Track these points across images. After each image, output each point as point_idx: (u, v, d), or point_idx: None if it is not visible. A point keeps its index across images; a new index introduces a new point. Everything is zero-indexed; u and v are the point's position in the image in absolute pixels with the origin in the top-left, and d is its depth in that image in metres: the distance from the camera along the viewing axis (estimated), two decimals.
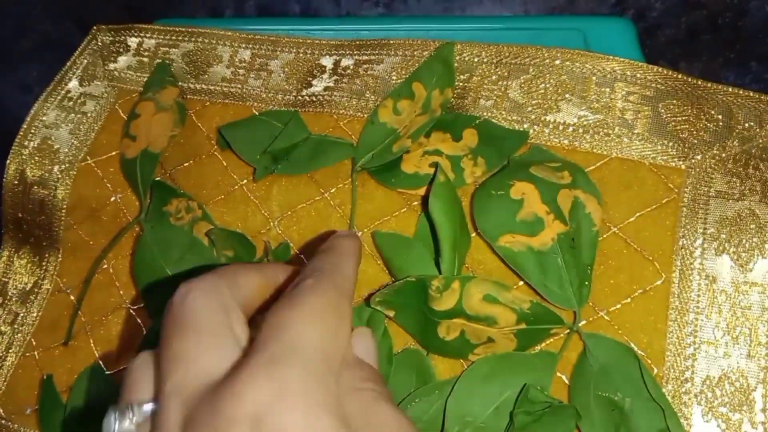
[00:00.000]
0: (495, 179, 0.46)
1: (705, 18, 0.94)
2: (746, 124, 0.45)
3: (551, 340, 0.44)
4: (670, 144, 0.46)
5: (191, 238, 0.51)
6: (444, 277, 0.42)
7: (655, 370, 0.42)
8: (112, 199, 0.56)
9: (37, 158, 0.58)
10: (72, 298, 0.55)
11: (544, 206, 0.43)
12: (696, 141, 0.46)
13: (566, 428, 0.41)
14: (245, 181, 0.54)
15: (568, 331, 0.43)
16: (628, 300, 0.44)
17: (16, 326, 0.55)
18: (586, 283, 0.43)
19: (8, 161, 0.58)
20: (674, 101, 0.47)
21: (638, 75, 0.48)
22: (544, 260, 0.43)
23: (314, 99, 0.55)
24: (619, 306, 0.44)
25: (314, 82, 0.56)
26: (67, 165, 0.58)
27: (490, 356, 0.43)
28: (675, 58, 0.93)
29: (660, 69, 0.47)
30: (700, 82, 0.47)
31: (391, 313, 0.44)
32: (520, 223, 0.43)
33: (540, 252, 0.43)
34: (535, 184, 0.44)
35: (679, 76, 0.47)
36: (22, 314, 0.55)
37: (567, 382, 0.43)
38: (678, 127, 0.46)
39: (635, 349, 0.42)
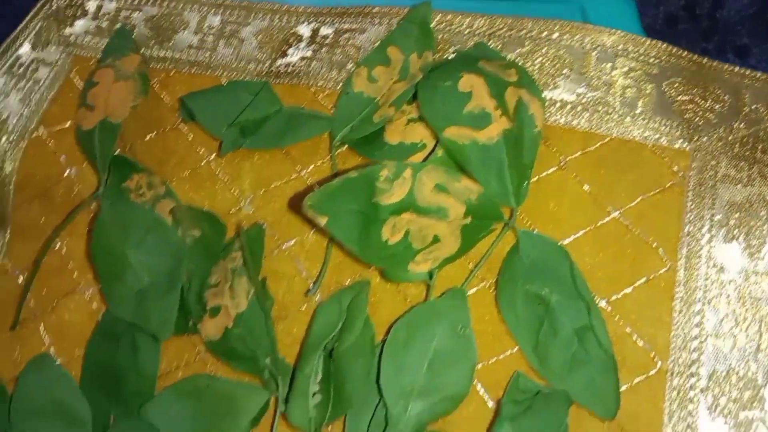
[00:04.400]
0: (442, 70, 0.45)
1: (682, 7, 0.92)
2: (753, 106, 0.43)
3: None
4: (674, 125, 0.43)
5: (153, 217, 0.46)
6: (394, 164, 0.40)
7: (660, 363, 0.39)
8: (66, 174, 0.51)
9: None
10: (20, 281, 0.50)
11: (493, 101, 0.42)
12: (701, 122, 0.43)
13: (557, 417, 0.38)
14: (213, 156, 0.50)
15: (504, 226, 0.42)
16: (630, 289, 0.41)
17: None
18: (526, 182, 0.42)
19: None
20: (679, 79, 0.44)
21: (641, 51, 0.45)
22: (488, 155, 0.42)
23: (289, 70, 0.51)
24: (620, 295, 0.41)
25: (290, 52, 0.52)
26: (16, 136, 0.53)
27: (402, 320, 0.41)
28: None
29: (665, 45, 0.45)
30: (705, 61, 0.44)
31: (323, 220, 0.39)
32: (467, 116, 0.42)
33: (485, 146, 0.42)
34: (484, 77, 0.43)
35: (684, 53, 0.44)
36: None
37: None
38: (683, 107, 0.43)
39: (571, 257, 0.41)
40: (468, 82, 0.43)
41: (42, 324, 0.48)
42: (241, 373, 0.44)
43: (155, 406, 0.43)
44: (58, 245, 0.50)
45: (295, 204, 0.47)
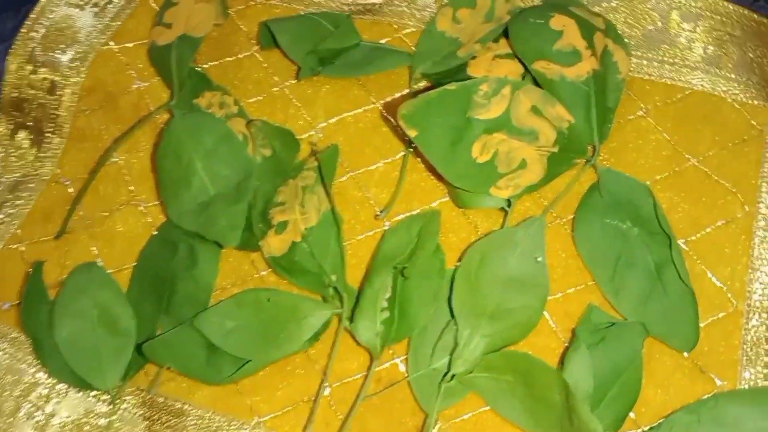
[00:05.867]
0: (533, 10, 0.46)
1: None
2: None
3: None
4: (755, 83, 0.45)
5: (226, 128, 0.46)
6: (495, 80, 0.41)
7: (735, 304, 0.39)
8: (135, 86, 0.51)
9: (53, 36, 0.52)
10: (71, 190, 0.49)
11: (583, 41, 0.43)
12: None
13: (632, 348, 0.38)
14: (288, 83, 0.49)
15: (585, 163, 0.43)
16: (708, 230, 0.41)
17: (1, 215, 0.48)
18: (608, 125, 0.43)
19: (18, 36, 0.51)
20: (758, 43, 0.45)
21: (724, 13, 0.46)
22: (576, 92, 0.42)
23: (373, 7, 0.51)
24: (697, 236, 0.41)
25: None
26: (86, 47, 0.52)
27: (477, 244, 0.41)
28: None
29: (746, 11, 0.46)
30: None
31: (413, 133, 0.40)
32: (557, 52, 0.43)
33: (573, 83, 0.42)
34: (575, 20, 0.44)
35: (766, 19, 0.46)
36: (9, 202, 0.48)
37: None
38: (764, 69, 0.45)
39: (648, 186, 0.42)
40: (559, 21, 0.44)
41: (91, 234, 0.47)
42: (302, 290, 0.43)
43: (210, 317, 0.41)
44: (115, 158, 0.49)
45: (390, 112, 0.47)
